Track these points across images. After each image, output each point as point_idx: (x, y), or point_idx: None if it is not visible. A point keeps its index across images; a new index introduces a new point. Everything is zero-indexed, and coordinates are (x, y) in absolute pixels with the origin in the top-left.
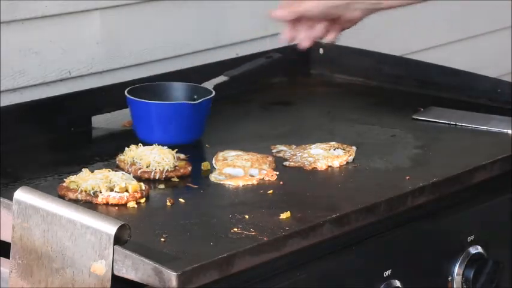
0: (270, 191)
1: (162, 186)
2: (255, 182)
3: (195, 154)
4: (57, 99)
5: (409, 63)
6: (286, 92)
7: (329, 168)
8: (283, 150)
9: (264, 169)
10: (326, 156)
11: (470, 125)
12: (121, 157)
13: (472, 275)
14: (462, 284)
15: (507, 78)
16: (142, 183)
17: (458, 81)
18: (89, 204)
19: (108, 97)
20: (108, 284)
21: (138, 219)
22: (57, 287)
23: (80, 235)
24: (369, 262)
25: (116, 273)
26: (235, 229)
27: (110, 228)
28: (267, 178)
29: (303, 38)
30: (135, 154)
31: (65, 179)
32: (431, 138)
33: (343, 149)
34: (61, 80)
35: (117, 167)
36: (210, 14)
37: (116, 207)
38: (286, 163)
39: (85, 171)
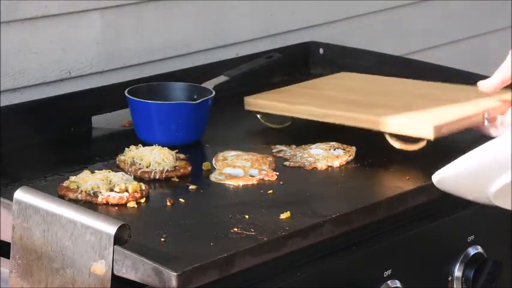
0: (270, 191)
1: (162, 186)
2: (255, 182)
3: (195, 154)
4: (57, 99)
5: (409, 63)
6: None
7: (329, 168)
8: (283, 150)
9: (264, 169)
10: (326, 156)
11: None
12: (121, 157)
13: (472, 275)
14: (462, 284)
15: None
16: (142, 183)
17: (458, 81)
18: (89, 204)
19: (108, 97)
20: (108, 284)
21: (138, 219)
22: (57, 287)
23: (80, 235)
24: (369, 262)
25: (116, 273)
26: (235, 229)
27: (110, 228)
28: (267, 178)
29: None
30: (135, 154)
31: (65, 179)
32: None
33: (343, 149)
34: (61, 80)
35: (117, 167)
36: (210, 14)
37: (116, 207)
38: (286, 163)
39: (85, 172)
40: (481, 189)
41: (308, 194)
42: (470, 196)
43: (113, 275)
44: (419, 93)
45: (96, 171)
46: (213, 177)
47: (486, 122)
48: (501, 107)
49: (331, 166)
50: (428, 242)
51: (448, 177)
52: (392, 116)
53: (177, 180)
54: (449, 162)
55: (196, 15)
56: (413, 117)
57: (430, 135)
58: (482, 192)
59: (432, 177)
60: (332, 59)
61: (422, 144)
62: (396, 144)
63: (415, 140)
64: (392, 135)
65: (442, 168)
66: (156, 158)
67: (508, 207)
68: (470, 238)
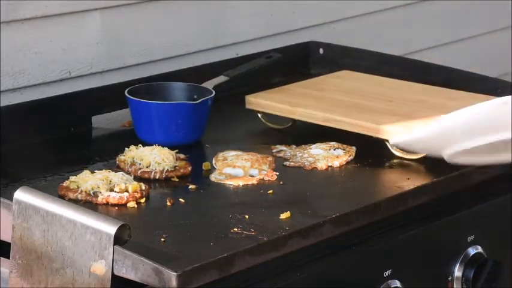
0: (270, 191)
1: (162, 186)
2: (255, 182)
3: (195, 154)
4: (57, 99)
5: (409, 63)
6: None
7: (329, 168)
8: (283, 150)
9: (264, 169)
10: (326, 156)
11: None
12: (121, 157)
13: (472, 275)
14: (462, 284)
15: (507, 78)
16: (142, 183)
17: (458, 81)
18: (89, 204)
19: (108, 97)
20: (108, 284)
21: (138, 219)
22: (57, 287)
23: (80, 235)
24: (369, 262)
25: (116, 273)
26: (235, 229)
27: (110, 228)
28: (267, 178)
29: None
30: (135, 154)
31: (65, 179)
32: None
33: (343, 149)
34: (61, 80)
35: (117, 167)
36: (210, 14)
37: (116, 207)
38: (286, 163)
39: (85, 172)
40: (436, 152)
41: (308, 194)
42: (423, 152)
43: (113, 275)
44: (422, 99)
45: (96, 171)
46: (213, 177)
47: None
48: None
49: (331, 166)
50: (428, 242)
51: (405, 143)
52: (393, 124)
53: (177, 180)
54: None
55: (196, 15)
56: (414, 128)
57: None
58: (436, 153)
59: (389, 140)
60: (332, 59)
61: (422, 153)
62: (396, 152)
63: None
64: None
65: (401, 135)
66: (156, 158)
67: (464, 163)
68: (470, 238)
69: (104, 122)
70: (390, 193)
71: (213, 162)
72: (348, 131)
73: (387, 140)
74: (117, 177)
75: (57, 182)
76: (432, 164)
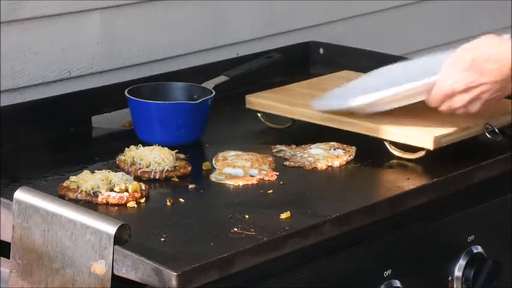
0: (270, 191)
1: (162, 186)
2: (255, 182)
3: (195, 154)
4: (57, 99)
5: None
6: None
7: (329, 168)
8: (283, 150)
9: (264, 169)
10: (326, 156)
11: None
12: (121, 157)
13: (472, 275)
14: (462, 284)
15: None
16: (142, 183)
17: None
18: (89, 204)
19: (108, 97)
20: (108, 284)
21: (138, 219)
22: (57, 287)
23: (80, 235)
24: (369, 262)
25: (116, 273)
26: (235, 229)
27: (110, 228)
28: (267, 178)
29: None
30: (135, 154)
31: (65, 179)
32: None
33: (343, 149)
34: (61, 80)
35: (117, 167)
36: (210, 14)
37: (116, 207)
38: (286, 163)
39: (85, 172)
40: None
41: (308, 194)
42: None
43: (113, 275)
44: (421, 99)
45: (96, 171)
46: (213, 177)
47: (487, 133)
48: (502, 117)
49: (331, 166)
50: (428, 242)
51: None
52: (392, 124)
53: (177, 180)
54: (450, 162)
55: (196, 15)
56: (413, 127)
57: (430, 145)
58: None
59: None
60: (332, 59)
61: (421, 153)
62: (395, 152)
63: (414, 149)
64: (391, 143)
65: (318, 104)
66: (156, 158)
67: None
68: (470, 238)
69: (104, 122)
70: (390, 193)
71: (213, 162)
72: (347, 131)
73: (387, 140)
74: (117, 177)
75: (57, 182)
76: (432, 164)
